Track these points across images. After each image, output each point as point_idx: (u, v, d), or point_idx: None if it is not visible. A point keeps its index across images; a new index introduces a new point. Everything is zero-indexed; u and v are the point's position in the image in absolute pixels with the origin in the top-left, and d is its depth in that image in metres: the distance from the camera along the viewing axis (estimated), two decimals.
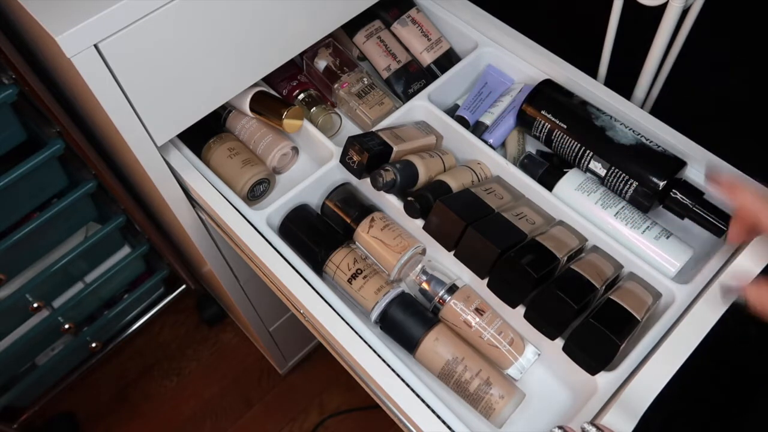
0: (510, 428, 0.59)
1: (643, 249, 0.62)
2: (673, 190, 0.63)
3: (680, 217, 0.64)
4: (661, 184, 0.62)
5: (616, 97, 0.71)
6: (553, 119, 0.68)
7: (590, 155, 0.65)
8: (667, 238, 0.62)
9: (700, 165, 0.66)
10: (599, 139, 0.66)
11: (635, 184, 0.63)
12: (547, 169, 0.69)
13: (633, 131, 0.65)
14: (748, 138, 0.76)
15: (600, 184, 0.66)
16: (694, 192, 0.63)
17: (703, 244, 0.65)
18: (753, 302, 0.49)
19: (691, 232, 0.67)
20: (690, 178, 0.66)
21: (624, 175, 0.64)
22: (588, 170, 0.66)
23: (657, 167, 0.63)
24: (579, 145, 0.66)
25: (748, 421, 0.73)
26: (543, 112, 0.69)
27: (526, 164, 0.70)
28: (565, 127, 0.67)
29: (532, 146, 0.76)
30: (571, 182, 0.67)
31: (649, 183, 0.62)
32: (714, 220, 0.62)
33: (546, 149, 0.74)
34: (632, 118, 0.69)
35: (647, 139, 0.65)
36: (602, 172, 0.65)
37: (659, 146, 0.64)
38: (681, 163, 0.63)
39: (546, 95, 0.70)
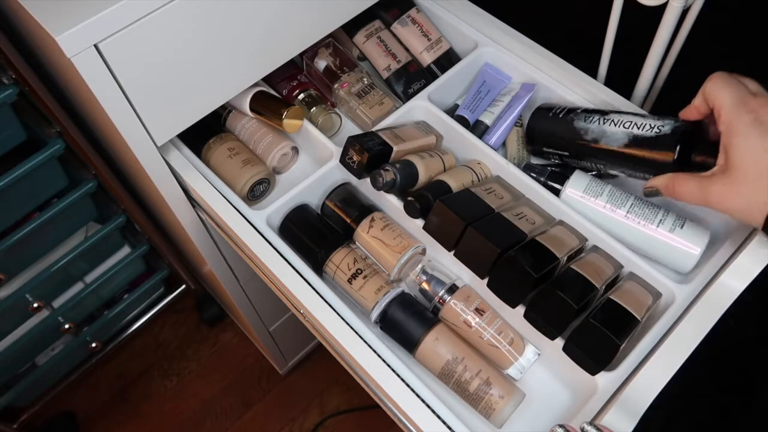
0: (510, 428, 0.59)
1: (661, 240, 0.62)
2: (692, 155, 0.60)
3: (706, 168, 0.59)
4: (672, 161, 0.59)
5: (616, 97, 0.71)
6: (555, 151, 0.69)
7: (604, 165, 0.65)
8: (683, 225, 0.61)
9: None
10: (598, 153, 0.65)
11: (652, 173, 0.61)
12: (550, 175, 0.69)
13: (622, 126, 0.63)
14: None
15: (606, 182, 0.66)
16: (709, 144, 0.58)
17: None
18: (664, 191, 0.56)
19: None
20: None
21: (639, 174, 0.63)
22: (611, 175, 0.67)
23: (660, 151, 0.60)
24: (590, 164, 0.67)
25: (748, 421, 0.73)
26: (545, 148, 0.70)
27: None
28: (567, 154, 0.68)
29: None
30: (577, 186, 0.66)
31: (662, 166, 0.60)
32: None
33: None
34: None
35: (638, 128, 0.62)
36: (622, 174, 0.65)
37: (652, 129, 0.61)
38: (679, 134, 0.60)
39: (540, 130, 0.70)
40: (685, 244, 0.61)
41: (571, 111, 0.68)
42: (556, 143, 0.69)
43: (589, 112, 0.67)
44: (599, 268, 0.59)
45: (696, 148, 0.60)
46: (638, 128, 0.63)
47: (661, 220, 0.62)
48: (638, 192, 0.65)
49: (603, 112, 0.66)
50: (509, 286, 0.59)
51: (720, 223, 0.65)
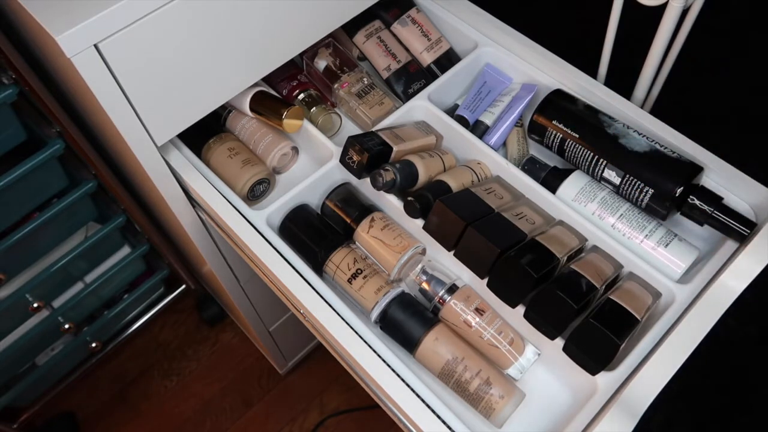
0: (510, 428, 0.59)
1: (647, 251, 0.62)
2: (691, 197, 0.62)
3: (699, 223, 0.63)
4: (677, 190, 0.61)
5: (616, 97, 0.71)
6: (565, 129, 0.67)
7: (604, 164, 0.65)
8: (671, 239, 0.62)
9: (707, 168, 0.65)
10: (612, 147, 0.65)
11: (650, 191, 0.62)
12: (550, 172, 0.69)
13: (647, 138, 0.65)
14: (748, 138, 0.76)
15: (602, 188, 0.66)
16: (712, 197, 0.62)
17: (703, 244, 0.65)
18: None
19: (693, 232, 0.67)
20: (707, 183, 0.65)
21: (639, 182, 0.62)
22: (602, 179, 0.66)
23: (672, 173, 0.61)
24: (592, 154, 0.65)
25: (748, 421, 0.73)
26: (554, 122, 0.68)
27: (528, 168, 0.70)
28: (577, 136, 0.67)
29: (539, 153, 0.76)
30: (573, 185, 0.67)
31: (664, 190, 0.61)
32: (735, 225, 0.60)
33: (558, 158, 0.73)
34: (632, 118, 0.69)
35: (661, 146, 0.64)
36: (617, 180, 0.64)
37: (674, 152, 0.63)
38: (697, 169, 0.62)
39: (557, 105, 0.70)
40: (670, 260, 0.62)
41: (598, 110, 0.69)
42: (570, 121, 0.68)
43: (614, 119, 0.68)
44: (599, 268, 0.59)
45: (696, 192, 0.62)
46: (661, 146, 0.64)
47: (650, 231, 0.63)
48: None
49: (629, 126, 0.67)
50: (509, 286, 0.59)
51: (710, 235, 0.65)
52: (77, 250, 1.03)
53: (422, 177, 0.68)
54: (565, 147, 0.68)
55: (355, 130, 0.79)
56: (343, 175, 0.72)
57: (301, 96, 0.80)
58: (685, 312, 0.58)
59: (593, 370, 0.55)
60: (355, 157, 0.67)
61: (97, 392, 1.39)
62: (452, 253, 0.63)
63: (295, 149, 0.79)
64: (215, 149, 0.76)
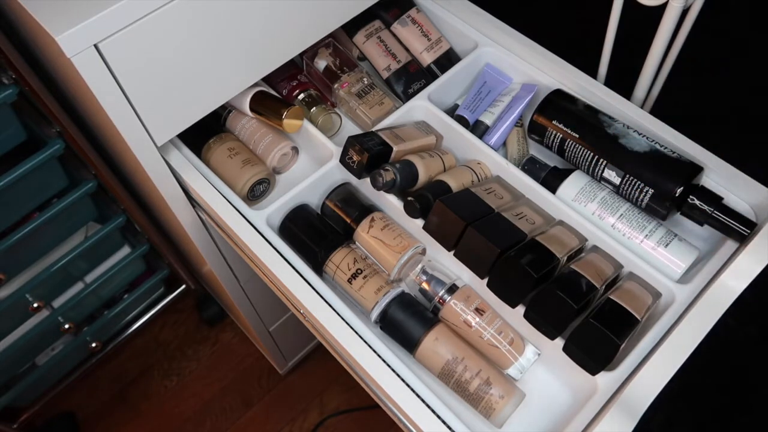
0: (510, 428, 0.59)
1: (647, 251, 0.62)
2: (691, 197, 0.62)
3: (699, 223, 0.63)
4: (677, 190, 0.61)
5: (616, 97, 0.71)
6: (565, 129, 0.67)
7: (604, 164, 0.65)
8: (671, 239, 0.62)
9: (707, 168, 0.65)
10: (612, 147, 0.65)
11: (650, 191, 0.62)
12: (550, 172, 0.69)
13: (647, 138, 0.65)
14: (748, 138, 0.76)
15: (602, 188, 0.66)
16: (712, 197, 0.62)
17: (703, 244, 0.65)
18: None
19: (693, 232, 0.67)
20: (707, 183, 0.65)
21: (639, 182, 0.62)
22: (602, 179, 0.66)
23: (672, 173, 0.61)
24: (592, 154, 0.65)
25: (748, 421, 0.73)
26: (554, 122, 0.68)
27: (528, 168, 0.70)
28: (577, 136, 0.67)
29: (539, 153, 0.76)
30: (573, 185, 0.67)
31: (664, 190, 0.61)
32: (735, 225, 0.60)
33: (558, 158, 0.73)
34: (632, 118, 0.69)
35: (661, 146, 0.64)
36: (617, 180, 0.64)
37: (674, 152, 0.63)
38: (697, 169, 0.62)
39: (557, 105, 0.70)
40: (670, 260, 0.61)
41: (598, 110, 0.69)
42: (570, 121, 0.68)
43: (614, 119, 0.68)
44: (599, 268, 0.59)
45: (696, 192, 0.62)
46: (661, 146, 0.64)
47: (650, 231, 0.63)
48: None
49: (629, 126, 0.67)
50: (509, 286, 0.59)
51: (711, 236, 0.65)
52: (77, 250, 1.03)
53: (422, 177, 0.68)
54: (565, 147, 0.68)
55: (355, 130, 0.79)
56: (343, 175, 0.72)
57: (301, 96, 0.80)
58: (685, 312, 0.58)
59: (593, 370, 0.55)
60: (355, 157, 0.67)
61: (97, 392, 1.39)
62: (452, 253, 0.63)
63: (295, 149, 0.79)
64: (215, 149, 0.76)
